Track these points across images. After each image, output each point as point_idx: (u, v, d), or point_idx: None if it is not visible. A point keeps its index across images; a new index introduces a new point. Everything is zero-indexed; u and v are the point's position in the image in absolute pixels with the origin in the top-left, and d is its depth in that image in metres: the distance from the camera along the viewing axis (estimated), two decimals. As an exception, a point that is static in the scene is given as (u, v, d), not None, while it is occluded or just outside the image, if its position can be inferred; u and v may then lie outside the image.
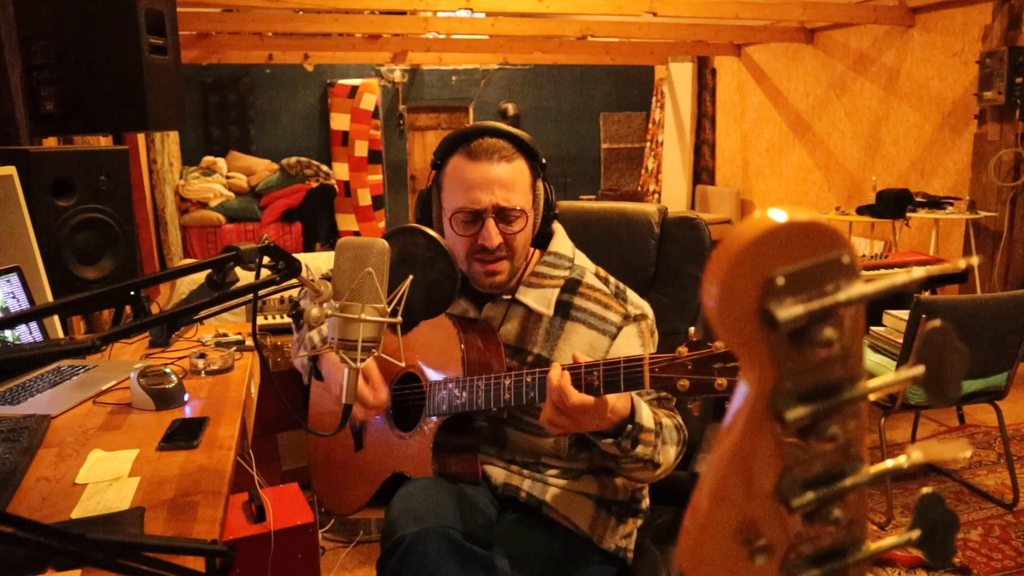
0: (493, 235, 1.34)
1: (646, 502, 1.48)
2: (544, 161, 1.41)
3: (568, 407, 1.14)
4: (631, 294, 1.45)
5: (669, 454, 1.28)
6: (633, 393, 1.21)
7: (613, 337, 1.37)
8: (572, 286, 1.41)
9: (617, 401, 1.17)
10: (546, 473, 1.39)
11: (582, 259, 1.48)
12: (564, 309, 1.40)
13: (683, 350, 1.07)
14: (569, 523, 1.35)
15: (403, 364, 1.33)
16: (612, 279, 1.46)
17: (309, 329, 1.49)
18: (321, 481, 1.64)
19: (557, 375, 1.15)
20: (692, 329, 1.10)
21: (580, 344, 1.37)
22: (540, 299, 1.39)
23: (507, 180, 1.34)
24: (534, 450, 1.39)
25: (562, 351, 1.37)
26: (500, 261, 1.37)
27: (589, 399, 1.14)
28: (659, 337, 1.44)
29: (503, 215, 1.35)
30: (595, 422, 1.16)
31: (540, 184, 1.41)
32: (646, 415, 1.23)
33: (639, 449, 1.21)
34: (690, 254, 1.68)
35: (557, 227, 1.49)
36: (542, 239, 1.48)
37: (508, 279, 1.40)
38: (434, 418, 1.38)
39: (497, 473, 1.39)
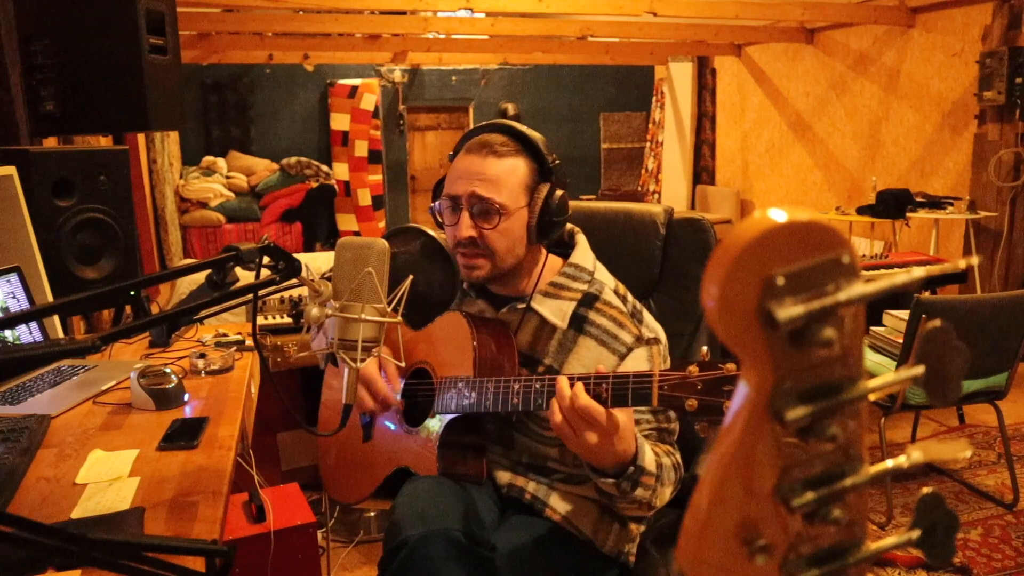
0: (463, 226, 1.33)
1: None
2: (553, 163, 1.36)
3: (577, 408, 1.11)
4: (648, 317, 1.41)
5: (665, 495, 1.27)
6: (638, 433, 1.21)
7: (622, 357, 1.34)
8: (589, 300, 1.38)
9: (624, 433, 1.14)
10: (552, 476, 1.38)
11: (603, 274, 1.45)
12: (578, 323, 1.37)
13: (694, 369, 1.06)
14: (572, 526, 1.35)
15: (403, 364, 1.33)
16: (631, 298, 1.43)
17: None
18: (328, 469, 1.64)
19: (566, 384, 1.13)
20: (705, 349, 1.09)
21: (588, 359, 1.35)
22: (556, 311, 1.37)
23: (492, 175, 1.32)
24: (540, 454, 1.39)
25: (571, 365, 1.35)
26: (478, 257, 1.35)
27: (598, 406, 1.10)
28: (666, 339, 1.42)
29: (479, 208, 1.32)
30: (599, 441, 1.12)
31: (543, 187, 1.35)
32: (649, 458, 1.21)
33: (638, 492, 1.20)
34: (695, 255, 1.66)
35: (581, 239, 1.47)
36: (561, 247, 1.46)
37: (490, 276, 1.38)
38: (441, 416, 1.38)
39: (502, 474, 1.39)
